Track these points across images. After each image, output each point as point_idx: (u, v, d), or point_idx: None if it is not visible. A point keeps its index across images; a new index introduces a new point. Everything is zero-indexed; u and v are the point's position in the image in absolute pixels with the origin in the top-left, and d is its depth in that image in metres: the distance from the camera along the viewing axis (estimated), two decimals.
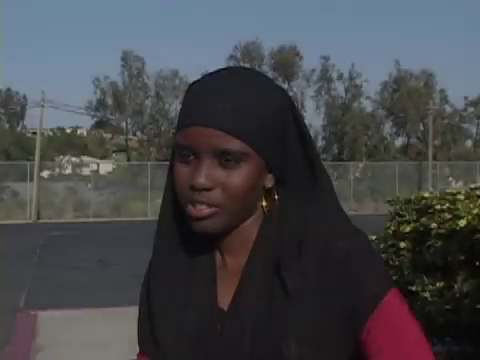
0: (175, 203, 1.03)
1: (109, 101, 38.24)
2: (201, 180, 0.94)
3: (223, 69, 1.03)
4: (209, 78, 1.00)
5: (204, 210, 0.96)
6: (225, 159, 0.95)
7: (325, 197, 1.01)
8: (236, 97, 0.95)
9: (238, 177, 0.95)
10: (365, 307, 0.94)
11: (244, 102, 0.95)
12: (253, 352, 0.95)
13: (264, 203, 1.02)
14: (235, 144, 0.94)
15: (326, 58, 38.77)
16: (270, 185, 1.01)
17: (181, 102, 1.03)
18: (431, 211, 3.91)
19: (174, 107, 37.81)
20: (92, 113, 39.04)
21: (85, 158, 44.55)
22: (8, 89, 42.98)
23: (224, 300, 1.01)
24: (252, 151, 0.95)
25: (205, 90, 0.97)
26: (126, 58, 37.58)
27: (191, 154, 0.97)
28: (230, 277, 1.02)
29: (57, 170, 35.34)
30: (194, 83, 1.01)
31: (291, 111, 1.01)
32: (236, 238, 1.02)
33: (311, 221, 0.98)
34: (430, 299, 3.57)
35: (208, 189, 0.95)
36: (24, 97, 42.66)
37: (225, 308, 1.00)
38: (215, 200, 0.95)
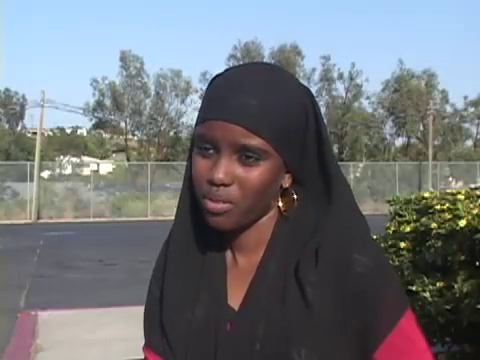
0: (192, 196, 1.02)
1: (108, 102, 38.20)
2: (220, 175, 0.94)
3: (247, 64, 1.03)
4: (233, 72, 0.99)
5: (219, 205, 0.95)
6: (245, 156, 0.94)
7: (342, 201, 0.99)
8: (260, 93, 0.94)
9: (256, 175, 0.95)
10: (378, 333, 0.94)
11: (268, 99, 0.94)
12: (262, 353, 0.94)
13: (280, 203, 1.01)
14: (256, 141, 0.93)
15: (327, 58, 38.77)
16: (287, 185, 1.00)
17: (204, 93, 1.02)
18: (431, 211, 3.91)
19: (174, 107, 37.81)
20: (91, 114, 39.00)
21: (85, 158, 44.58)
22: (6, 89, 42.95)
23: (235, 299, 1.00)
24: (272, 150, 0.95)
25: (229, 84, 0.96)
26: (124, 58, 37.52)
27: (211, 147, 0.96)
28: (241, 276, 1.02)
29: (57, 170, 35.33)
30: (218, 76, 1.00)
31: (313, 110, 1.00)
32: (250, 237, 1.02)
33: (328, 226, 0.97)
34: (430, 299, 3.57)
35: (226, 185, 0.95)
36: (23, 97, 42.65)
37: (236, 307, 1.00)
38: (231, 196, 0.95)
